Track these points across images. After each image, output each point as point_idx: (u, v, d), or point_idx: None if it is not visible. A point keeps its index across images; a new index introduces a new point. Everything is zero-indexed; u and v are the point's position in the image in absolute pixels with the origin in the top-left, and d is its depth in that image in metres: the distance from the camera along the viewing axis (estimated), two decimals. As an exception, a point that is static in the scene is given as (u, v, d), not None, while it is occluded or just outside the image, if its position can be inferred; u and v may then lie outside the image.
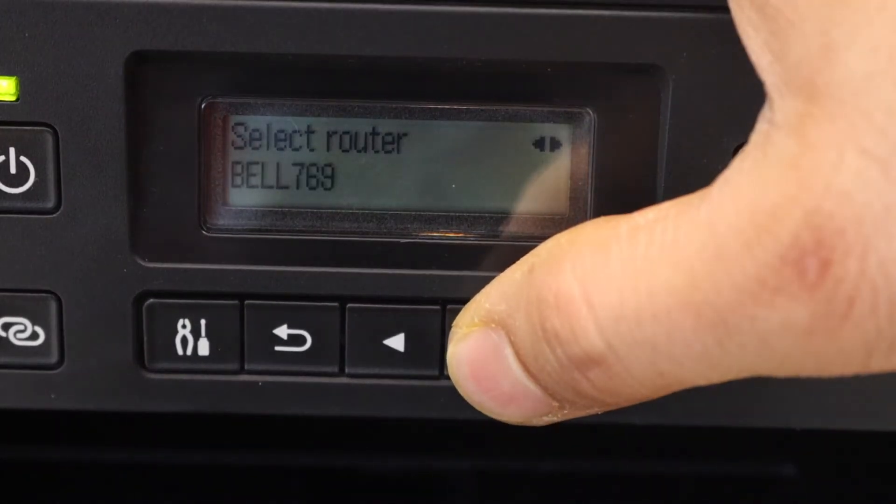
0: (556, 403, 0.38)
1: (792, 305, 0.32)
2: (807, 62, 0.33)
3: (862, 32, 0.32)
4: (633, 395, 0.36)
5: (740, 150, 0.35)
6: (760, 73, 0.35)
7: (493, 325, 0.38)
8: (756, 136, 0.34)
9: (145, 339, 0.45)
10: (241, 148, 0.45)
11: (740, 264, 0.33)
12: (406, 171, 0.45)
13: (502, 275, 0.39)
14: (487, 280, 0.44)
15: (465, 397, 0.40)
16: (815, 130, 0.32)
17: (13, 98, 0.42)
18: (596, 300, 0.35)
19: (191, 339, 0.45)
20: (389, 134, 0.44)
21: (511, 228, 0.45)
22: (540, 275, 0.37)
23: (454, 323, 0.41)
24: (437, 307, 0.45)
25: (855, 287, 0.32)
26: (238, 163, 0.45)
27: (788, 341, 0.33)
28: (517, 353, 0.38)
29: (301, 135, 0.44)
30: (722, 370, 0.35)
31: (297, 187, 0.45)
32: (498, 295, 0.38)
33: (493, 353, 0.38)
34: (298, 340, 0.45)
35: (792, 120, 0.33)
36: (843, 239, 0.31)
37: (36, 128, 0.43)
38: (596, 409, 0.38)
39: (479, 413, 0.46)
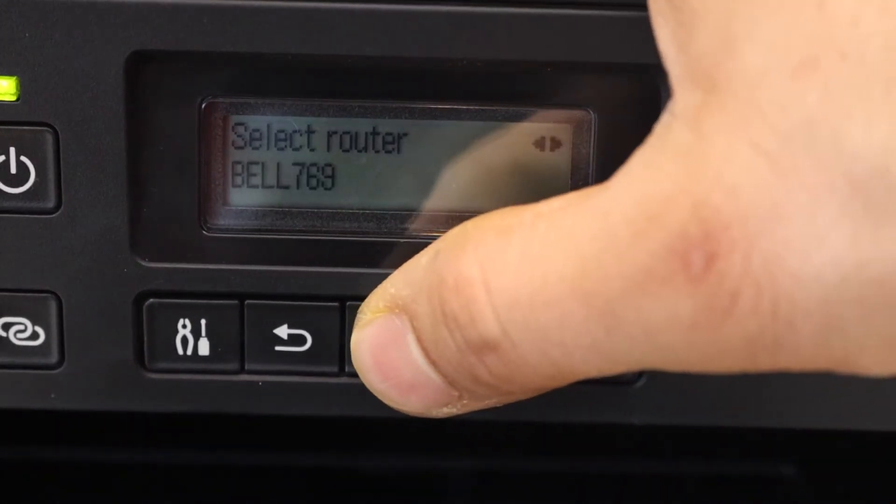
0: (455, 393, 0.38)
1: (677, 298, 0.32)
2: (708, 54, 0.33)
3: (761, 27, 0.32)
4: (528, 384, 0.36)
5: (643, 142, 0.35)
6: (666, 64, 0.35)
7: (397, 311, 0.38)
8: (658, 128, 0.34)
9: (145, 338, 0.45)
10: (241, 148, 0.45)
11: (629, 253, 0.33)
12: (406, 171, 0.45)
13: (409, 261, 0.39)
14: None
15: (368, 385, 0.40)
16: (710, 122, 0.32)
17: (13, 98, 0.42)
18: (494, 284, 0.35)
19: (191, 338, 0.45)
20: (389, 134, 0.44)
21: (511, 228, 0.45)
22: (443, 259, 0.36)
23: (360, 309, 0.40)
24: (437, 307, 0.45)
25: (739, 283, 0.32)
26: (238, 163, 0.45)
27: (673, 334, 0.33)
28: (419, 339, 0.37)
29: (301, 135, 0.44)
30: (612, 362, 0.35)
31: (298, 187, 0.45)
32: (403, 280, 0.38)
33: (395, 339, 0.38)
34: (298, 340, 0.45)
35: (690, 111, 0.33)
36: (729, 234, 0.31)
37: (36, 128, 0.43)
38: (494, 401, 0.38)
39: (482, 413, 0.46)
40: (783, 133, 0.31)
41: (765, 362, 0.33)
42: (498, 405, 0.38)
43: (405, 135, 0.44)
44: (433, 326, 0.37)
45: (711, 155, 0.32)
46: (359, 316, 0.40)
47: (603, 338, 0.34)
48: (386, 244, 0.45)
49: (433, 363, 0.37)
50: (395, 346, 0.38)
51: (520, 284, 0.34)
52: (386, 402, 0.40)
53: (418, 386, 0.38)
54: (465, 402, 0.38)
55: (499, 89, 0.44)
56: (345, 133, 0.44)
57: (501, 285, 0.35)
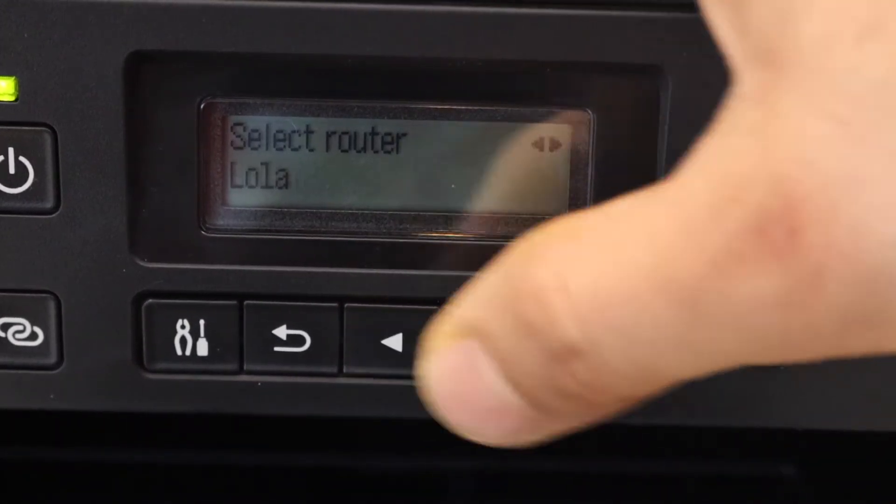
0: (538, 414, 0.37)
1: (762, 276, 0.32)
2: (767, 31, 0.32)
3: None
4: (617, 392, 0.35)
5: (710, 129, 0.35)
6: (727, 51, 0.35)
7: (467, 334, 0.37)
8: (724, 112, 0.34)
9: (144, 339, 0.45)
10: (240, 148, 0.45)
11: (708, 236, 0.32)
12: (405, 171, 0.45)
13: (474, 283, 0.38)
14: (487, 280, 0.44)
15: (444, 418, 0.38)
16: (778, 97, 0.32)
17: (12, 98, 0.42)
18: (572, 289, 0.34)
19: (190, 339, 0.45)
20: (389, 134, 0.44)
21: (511, 229, 0.45)
22: (515, 272, 0.36)
23: (427, 339, 0.39)
24: (436, 307, 0.45)
25: (824, 254, 0.31)
26: (237, 163, 0.45)
27: (762, 316, 0.32)
28: (496, 360, 0.36)
29: (300, 135, 0.44)
30: (700, 356, 0.34)
31: (297, 187, 0.45)
32: (471, 301, 0.37)
33: (468, 365, 0.36)
34: (297, 341, 0.45)
35: (756, 90, 0.33)
36: (810, 205, 0.31)
37: (35, 128, 0.43)
38: (582, 419, 0.37)
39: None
40: (855, 98, 0.30)
41: (856, 341, 0.32)
42: (586, 423, 0.37)
43: (405, 135, 0.44)
44: (511, 341, 0.35)
45: (784, 129, 0.31)
46: (426, 346, 0.39)
47: (686, 329, 0.33)
48: (385, 244, 0.45)
49: (513, 383, 0.36)
50: (468, 372, 0.36)
51: (596, 283, 0.33)
52: (463, 433, 0.38)
53: (498, 412, 0.36)
54: (550, 424, 0.37)
55: (498, 89, 0.44)
56: (344, 133, 0.44)
57: (580, 289, 0.34)
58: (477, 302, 0.36)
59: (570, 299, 0.34)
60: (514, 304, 0.35)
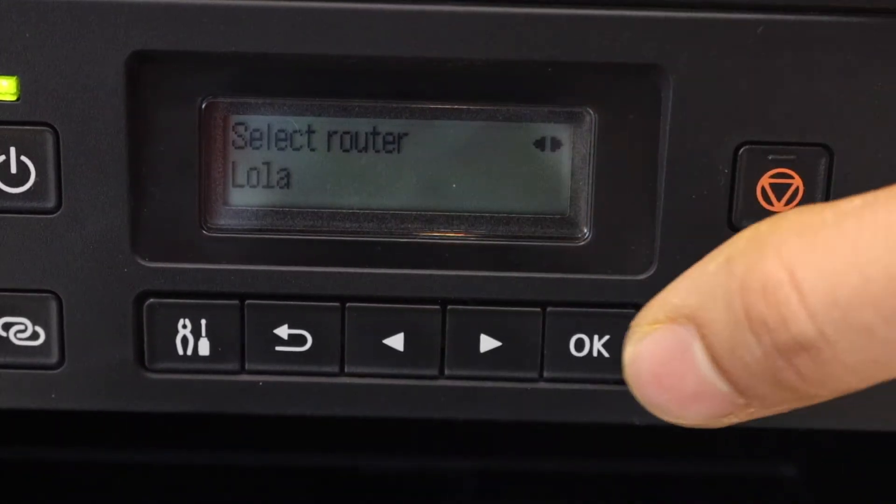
0: (743, 401, 0.37)
1: None
2: None
3: None
4: (840, 385, 0.35)
5: None
6: None
7: (682, 321, 0.37)
8: None
9: (146, 338, 0.45)
10: (241, 148, 0.45)
11: None
12: (406, 171, 0.45)
13: (690, 270, 0.38)
14: (487, 280, 0.44)
15: (642, 399, 0.39)
16: None
17: (14, 98, 0.42)
18: (806, 286, 0.34)
19: (191, 338, 0.45)
20: (390, 134, 0.44)
21: (511, 228, 0.45)
22: (741, 263, 0.36)
23: (633, 323, 0.39)
24: (437, 307, 0.45)
25: None
26: (238, 162, 0.45)
27: None
28: (709, 348, 0.36)
29: (301, 135, 0.44)
30: None
31: (298, 187, 0.45)
32: (687, 289, 0.37)
33: (679, 350, 0.37)
34: (299, 340, 0.45)
35: None
36: None
37: (36, 127, 0.43)
38: (786, 406, 0.37)
39: (478, 413, 0.46)
40: None
41: None
42: (787, 410, 0.37)
43: (405, 135, 0.44)
44: (732, 333, 0.36)
45: None
46: (632, 330, 0.39)
47: None
48: (386, 244, 0.45)
49: (724, 372, 0.36)
50: (678, 357, 0.37)
51: (836, 284, 0.34)
52: (660, 414, 0.38)
53: (702, 397, 0.37)
54: (751, 410, 0.37)
55: (499, 89, 0.44)
56: (345, 133, 0.44)
57: (815, 286, 0.34)
58: (696, 290, 0.37)
59: (805, 296, 0.34)
60: (741, 296, 0.35)
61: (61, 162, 0.43)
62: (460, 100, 0.44)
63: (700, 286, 0.37)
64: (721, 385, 0.37)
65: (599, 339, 0.45)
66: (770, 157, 0.43)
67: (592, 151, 0.44)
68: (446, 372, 0.46)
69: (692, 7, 0.42)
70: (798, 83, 0.42)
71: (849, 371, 0.35)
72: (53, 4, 0.42)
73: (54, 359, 0.46)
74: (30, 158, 0.43)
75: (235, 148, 0.45)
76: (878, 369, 0.35)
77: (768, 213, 0.43)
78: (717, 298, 0.36)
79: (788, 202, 0.43)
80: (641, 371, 0.38)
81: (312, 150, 0.45)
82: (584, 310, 0.45)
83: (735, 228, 0.44)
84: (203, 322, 0.45)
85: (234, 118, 0.44)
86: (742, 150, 0.43)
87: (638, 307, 0.45)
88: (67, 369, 0.46)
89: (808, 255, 0.34)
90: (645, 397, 0.38)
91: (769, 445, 0.64)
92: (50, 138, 0.43)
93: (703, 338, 0.36)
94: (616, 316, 0.45)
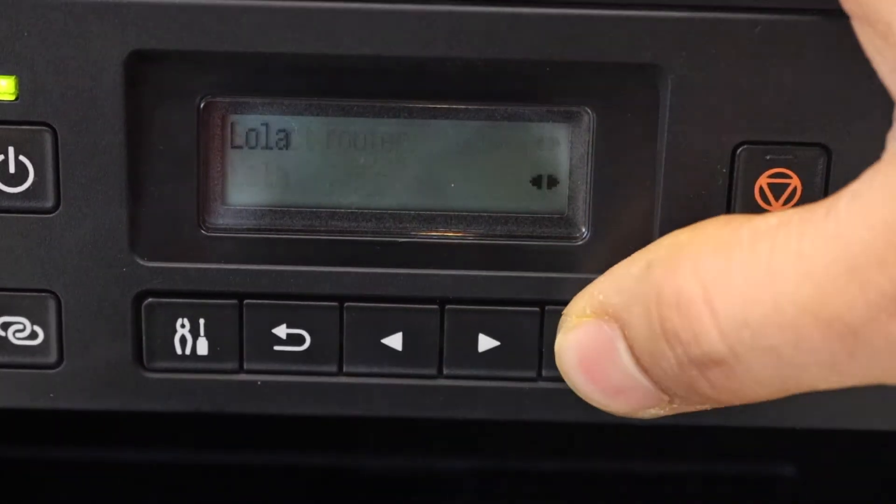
0: (666, 397, 0.38)
1: None
2: None
3: None
4: (751, 397, 0.37)
5: (871, 167, 0.35)
6: (893, 96, 0.35)
7: (606, 318, 0.38)
8: (887, 155, 0.35)
9: (144, 338, 0.45)
10: (240, 147, 0.45)
11: (873, 281, 0.33)
12: (404, 170, 0.45)
13: (616, 267, 0.39)
14: (486, 279, 0.44)
15: (573, 387, 0.40)
16: None
17: (12, 97, 0.42)
18: (718, 305, 0.35)
19: (190, 338, 0.45)
20: (388, 133, 0.44)
21: (509, 228, 0.45)
22: (659, 272, 0.36)
23: (564, 311, 0.40)
24: (436, 307, 0.45)
25: None
26: (237, 162, 0.45)
27: None
28: (631, 348, 0.37)
29: (299, 134, 0.44)
30: (849, 377, 0.35)
31: (296, 186, 0.45)
32: (612, 287, 0.38)
33: (604, 345, 0.38)
34: (297, 340, 0.45)
35: None
36: None
37: (35, 127, 0.43)
38: (707, 406, 0.38)
39: (477, 413, 0.46)
40: None
41: None
42: (709, 409, 0.38)
43: (403, 134, 0.44)
44: (649, 339, 0.37)
45: None
46: (563, 319, 0.40)
47: (842, 357, 0.34)
48: (384, 244, 0.45)
49: (645, 371, 0.38)
50: (603, 351, 0.38)
51: (747, 306, 0.35)
52: (591, 402, 0.40)
53: (627, 390, 0.38)
54: (674, 405, 0.38)
55: (498, 89, 0.44)
56: (344, 132, 0.44)
57: (727, 306, 0.35)
58: (619, 290, 0.38)
59: (717, 315, 0.35)
60: (656, 308, 0.36)
61: (60, 162, 0.43)
62: (459, 99, 0.44)
63: (622, 287, 0.38)
64: (643, 381, 0.38)
65: (598, 338, 0.45)
66: (768, 157, 0.43)
67: (591, 151, 0.44)
68: (445, 371, 0.46)
69: (691, 7, 0.42)
70: (796, 83, 0.42)
71: (758, 384, 0.36)
72: (53, 4, 0.42)
73: (53, 358, 0.46)
74: (28, 158, 0.43)
75: (234, 147, 0.45)
76: (785, 384, 0.36)
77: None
78: (636, 303, 0.37)
79: (786, 202, 0.43)
80: (569, 362, 0.39)
81: (311, 149, 0.45)
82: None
83: (733, 228, 0.44)
84: (201, 321, 0.45)
85: (233, 118, 0.44)
86: (740, 149, 0.43)
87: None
88: (66, 369, 0.46)
89: (722, 275, 0.35)
90: (574, 386, 0.40)
91: (769, 445, 0.64)
92: (48, 138, 0.43)
93: (626, 338, 0.37)
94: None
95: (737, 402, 0.37)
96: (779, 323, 0.34)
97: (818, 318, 0.34)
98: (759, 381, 0.36)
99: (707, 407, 0.38)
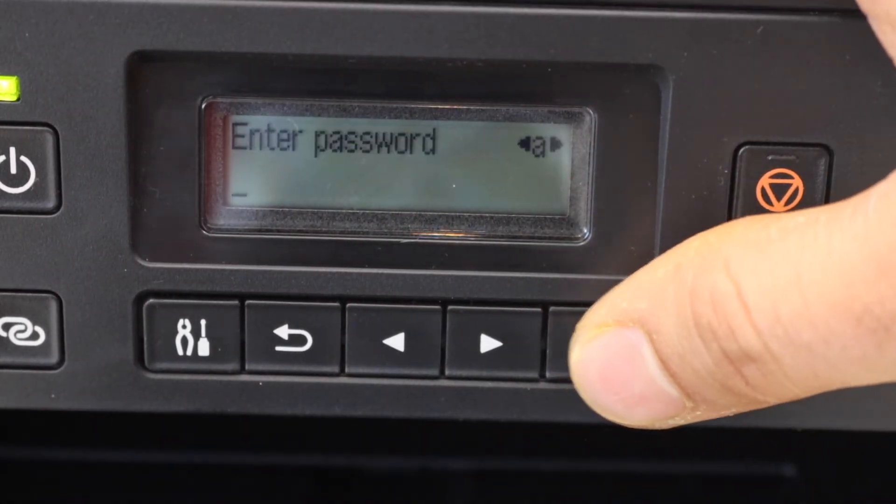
0: (690, 404, 0.38)
1: None
2: None
3: None
4: (785, 394, 0.37)
5: None
6: None
7: (631, 325, 0.38)
8: None
9: (145, 339, 0.45)
10: (241, 148, 0.45)
11: None
12: (406, 170, 0.45)
13: (637, 273, 0.39)
14: (487, 280, 0.44)
15: (589, 401, 0.39)
16: None
17: (14, 98, 0.42)
18: (751, 302, 0.35)
19: (191, 339, 0.45)
20: (390, 134, 0.44)
21: (511, 228, 0.45)
22: (690, 272, 0.36)
23: (578, 325, 0.40)
24: (437, 307, 0.45)
25: None
26: (239, 162, 0.45)
27: None
28: (658, 352, 0.37)
29: (301, 134, 0.44)
30: (879, 373, 0.35)
31: (298, 187, 0.45)
32: (636, 293, 0.38)
33: (627, 353, 0.38)
34: (299, 340, 0.45)
35: None
36: None
37: (36, 128, 0.43)
38: (734, 410, 0.38)
39: (479, 414, 0.46)
40: None
41: None
42: (733, 414, 0.38)
43: (405, 134, 0.44)
44: (681, 338, 0.37)
45: None
46: (578, 332, 0.40)
47: (872, 352, 0.34)
48: (386, 244, 0.45)
49: (672, 375, 0.37)
50: (626, 360, 0.38)
51: (779, 303, 0.35)
52: (605, 415, 0.39)
53: (649, 399, 0.38)
54: (698, 412, 0.38)
55: (499, 89, 0.44)
56: (346, 133, 0.44)
57: (759, 302, 0.35)
58: (645, 294, 0.37)
59: (751, 312, 0.35)
60: (690, 304, 0.36)
61: (61, 162, 0.43)
62: (460, 100, 0.44)
63: (649, 291, 0.37)
64: (669, 389, 0.37)
65: (600, 339, 0.45)
66: (770, 158, 0.43)
67: (592, 151, 0.44)
68: (447, 372, 0.46)
69: (692, 7, 0.42)
70: (798, 83, 0.42)
71: (792, 382, 0.36)
72: (53, 4, 0.42)
73: (54, 359, 0.46)
74: (30, 158, 0.43)
75: (235, 148, 0.45)
76: (818, 381, 0.36)
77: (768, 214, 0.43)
78: (666, 304, 0.37)
79: (788, 202, 0.43)
80: (588, 373, 0.39)
81: (312, 150, 0.45)
82: (584, 310, 0.45)
83: (735, 228, 0.44)
84: (203, 322, 0.45)
85: (234, 118, 0.44)
86: (742, 150, 0.43)
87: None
88: (67, 369, 0.46)
89: (754, 272, 0.35)
90: (591, 399, 0.39)
91: (769, 445, 0.64)
92: (50, 138, 0.43)
93: (653, 342, 0.37)
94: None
95: (772, 400, 0.37)
96: (809, 319, 0.34)
97: (848, 314, 0.34)
98: (793, 378, 0.36)
99: (731, 412, 0.38)
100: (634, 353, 0.38)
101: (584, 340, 0.39)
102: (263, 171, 0.45)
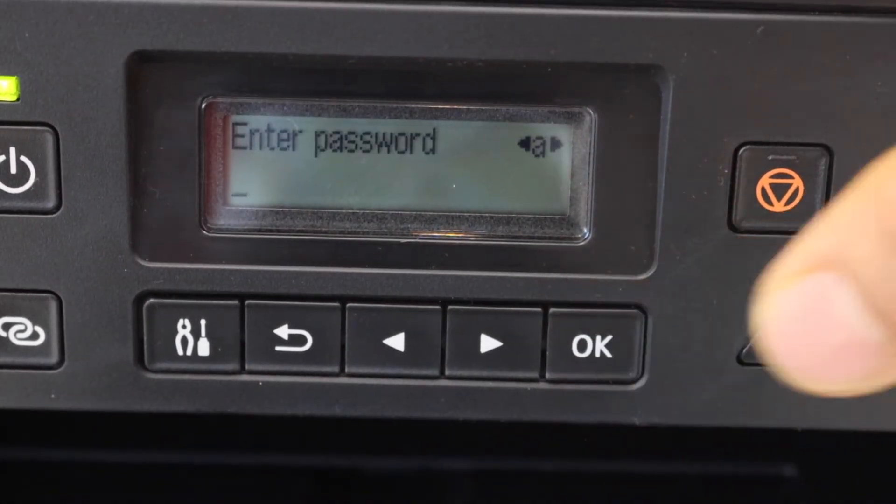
0: (894, 348, 0.33)
1: None
2: None
3: None
4: None
5: None
6: None
7: (821, 267, 0.34)
8: None
9: (145, 339, 0.45)
10: (241, 147, 0.45)
11: None
12: (407, 170, 0.45)
13: (822, 216, 0.34)
14: (488, 280, 0.44)
15: (782, 365, 0.35)
16: None
17: (13, 98, 0.42)
18: None
19: (191, 339, 0.45)
20: (390, 134, 0.44)
21: (511, 228, 0.45)
22: (878, 185, 0.32)
23: (765, 289, 0.35)
24: (437, 307, 0.45)
25: None
26: (239, 162, 0.45)
27: None
28: (859, 287, 0.33)
29: (301, 134, 0.44)
30: None
31: (298, 187, 0.45)
32: (822, 233, 0.34)
33: (819, 301, 0.34)
34: (299, 340, 0.45)
35: None
36: None
37: (36, 128, 0.43)
38: None
39: (479, 414, 0.46)
40: None
41: None
42: None
43: (405, 134, 0.44)
44: (879, 261, 0.32)
45: None
46: (766, 293, 0.35)
47: None
48: (386, 244, 0.45)
49: (877, 312, 0.33)
50: (820, 308, 0.34)
51: None
52: (801, 381, 0.35)
53: (851, 351, 0.34)
54: None
55: (499, 89, 0.44)
56: (346, 133, 0.44)
57: None
58: (831, 228, 0.33)
59: None
60: (883, 218, 0.32)
61: (61, 162, 0.43)
62: (460, 100, 0.44)
63: (836, 223, 0.34)
64: (874, 332, 0.33)
65: (602, 339, 0.45)
66: (770, 158, 0.43)
67: (592, 151, 0.44)
68: (447, 372, 0.46)
69: (692, 7, 0.42)
70: (798, 83, 0.42)
71: None
72: (53, 4, 0.42)
73: (54, 359, 0.46)
74: (30, 158, 0.43)
75: (235, 148, 0.45)
76: None
77: (768, 214, 0.43)
78: (858, 228, 0.33)
79: (788, 202, 0.43)
80: (778, 333, 0.35)
81: (312, 150, 0.45)
82: (584, 310, 0.45)
83: (735, 229, 0.44)
84: (203, 322, 0.45)
85: (234, 118, 0.44)
86: (742, 150, 0.43)
87: (639, 307, 0.45)
88: (67, 369, 0.46)
89: None
90: (786, 362, 0.35)
91: (769, 445, 0.64)
92: (50, 138, 0.43)
93: (849, 278, 0.33)
94: (617, 316, 0.45)
95: None
96: None
97: None
98: None
99: None
100: (829, 299, 0.34)
101: (770, 301, 0.35)
102: (263, 171, 0.45)
